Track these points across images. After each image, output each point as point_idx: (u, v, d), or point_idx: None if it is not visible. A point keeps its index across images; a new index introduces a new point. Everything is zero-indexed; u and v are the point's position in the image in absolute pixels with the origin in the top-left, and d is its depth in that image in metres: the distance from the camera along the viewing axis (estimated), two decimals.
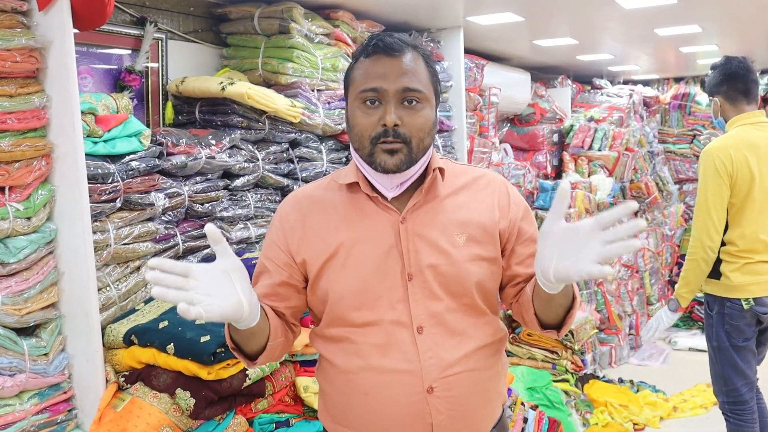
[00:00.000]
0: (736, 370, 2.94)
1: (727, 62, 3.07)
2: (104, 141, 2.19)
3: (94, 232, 2.12)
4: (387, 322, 1.43)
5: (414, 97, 1.41)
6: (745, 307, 2.84)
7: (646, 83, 7.30)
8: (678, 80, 7.39)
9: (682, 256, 6.64)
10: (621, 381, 4.67)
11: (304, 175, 3.00)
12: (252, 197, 2.80)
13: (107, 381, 2.07)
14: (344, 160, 3.25)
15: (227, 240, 2.65)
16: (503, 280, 1.55)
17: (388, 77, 1.40)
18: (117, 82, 2.69)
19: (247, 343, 1.45)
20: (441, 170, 1.51)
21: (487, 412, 1.52)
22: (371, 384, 1.44)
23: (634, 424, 4.12)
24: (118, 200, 2.20)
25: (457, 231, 1.47)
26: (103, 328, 2.16)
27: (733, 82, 3.03)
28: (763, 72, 6.78)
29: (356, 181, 1.49)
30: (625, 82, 7.08)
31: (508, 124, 5.54)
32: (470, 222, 1.48)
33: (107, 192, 2.15)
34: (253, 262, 2.51)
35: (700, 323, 5.85)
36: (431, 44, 3.94)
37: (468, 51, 4.25)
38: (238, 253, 2.71)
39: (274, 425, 2.25)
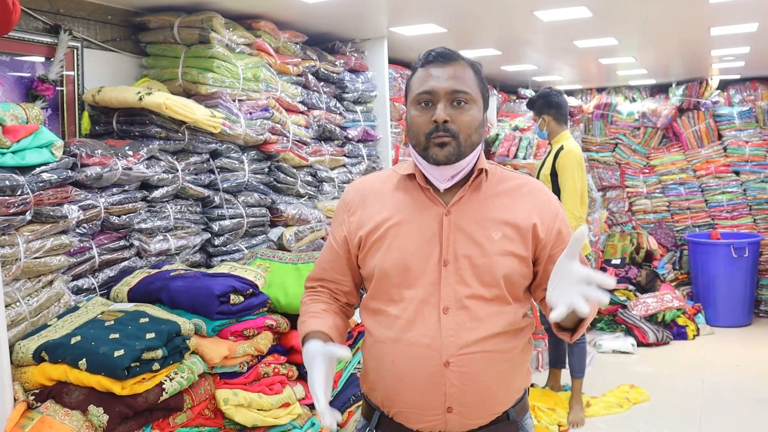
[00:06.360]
0: None
1: (553, 93, 4.42)
2: (12, 152, 2.12)
3: (3, 246, 2.06)
4: (418, 301, 1.62)
5: (462, 98, 1.61)
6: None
7: (569, 93, 7.52)
8: (600, 90, 7.63)
9: (607, 261, 6.85)
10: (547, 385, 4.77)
11: (225, 185, 2.98)
12: (172, 208, 2.77)
13: (15, 400, 2.00)
14: (266, 170, 3.24)
15: (146, 252, 2.62)
16: (537, 280, 1.70)
17: (440, 81, 1.61)
18: (29, 91, 2.62)
19: None
20: (486, 171, 1.68)
21: (501, 393, 1.67)
22: (397, 353, 1.63)
23: (559, 426, 4.22)
24: (28, 213, 2.14)
25: (494, 227, 1.64)
26: (12, 345, 2.10)
27: (559, 108, 4.36)
28: (679, 83, 7.07)
29: (413, 173, 1.69)
30: None
31: None
32: (507, 221, 1.65)
33: (16, 204, 2.08)
34: (172, 274, 2.49)
35: (623, 326, 6.03)
36: (355, 54, 3.97)
37: (392, 61, 4.30)
38: (158, 265, 2.67)
39: None
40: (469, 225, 1.64)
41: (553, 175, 4.21)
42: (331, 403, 2.69)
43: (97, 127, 2.82)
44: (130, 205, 2.57)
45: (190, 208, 2.86)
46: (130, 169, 2.53)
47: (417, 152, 1.66)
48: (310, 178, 3.57)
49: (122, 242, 2.60)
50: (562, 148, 4.21)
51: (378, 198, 1.73)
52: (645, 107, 7.17)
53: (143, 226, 2.64)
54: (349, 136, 3.90)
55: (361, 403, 2.76)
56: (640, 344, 5.85)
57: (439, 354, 1.59)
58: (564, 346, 4.61)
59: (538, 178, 4.21)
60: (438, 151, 1.59)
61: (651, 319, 6.08)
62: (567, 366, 4.59)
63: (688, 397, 4.67)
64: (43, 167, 2.21)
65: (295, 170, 3.43)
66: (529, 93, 6.69)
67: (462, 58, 1.66)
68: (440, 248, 1.63)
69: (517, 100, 6.61)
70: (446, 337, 1.59)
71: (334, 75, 3.81)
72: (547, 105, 4.35)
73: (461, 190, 1.66)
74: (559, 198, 4.09)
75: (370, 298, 1.72)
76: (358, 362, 2.86)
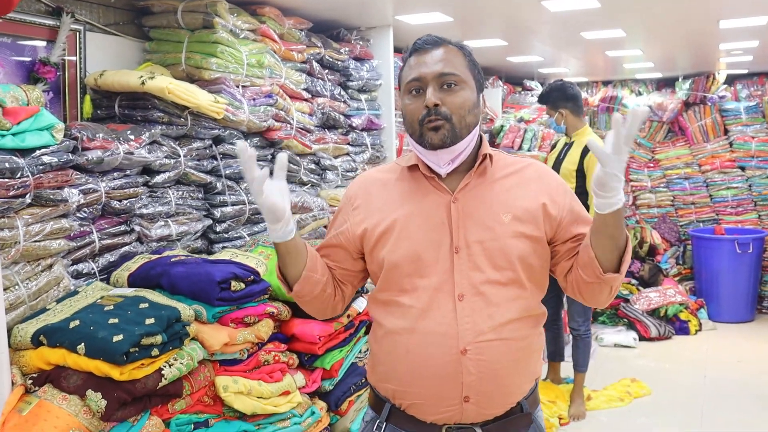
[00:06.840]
0: None
1: (567, 85, 4.23)
2: (12, 134, 2.10)
3: (2, 229, 2.05)
4: (432, 289, 1.60)
5: (451, 80, 1.59)
6: None
7: None
8: (606, 83, 7.59)
9: None
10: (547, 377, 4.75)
11: (227, 171, 2.95)
12: (173, 194, 2.74)
13: (13, 384, 1.99)
14: (270, 157, 3.22)
15: (147, 237, 2.60)
16: (559, 256, 1.68)
17: (427, 66, 1.60)
18: (30, 74, 2.59)
19: (286, 264, 1.66)
20: (490, 157, 1.68)
21: (517, 382, 1.64)
22: (412, 343, 1.60)
23: (560, 418, 4.21)
24: (27, 196, 2.12)
25: (503, 210, 1.62)
26: (11, 329, 2.08)
27: (576, 100, 4.17)
28: (686, 77, 7.02)
29: (416, 163, 1.68)
30: None
31: None
32: (516, 204, 1.63)
33: (16, 187, 2.06)
34: (173, 260, 2.48)
35: (625, 320, 6.01)
36: (360, 42, 3.94)
37: (398, 50, 4.26)
38: (159, 251, 2.65)
39: (192, 426, 2.21)
40: (477, 210, 1.62)
41: (580, 171, 4.03)
42: (332, 392, 2.69)
43: (99, 111, 2.80)
44: (132, 189, 2.55)
45: (191, 194, 2.84)
46: (132, 153, 2.51)
47: (414, 140, 1.64)
48: (313, 166, 3.55)
49: (123, 227, 2.58)
50: None
51: (382, 190, 1.71)
52: (651, 101, 7.13)
53: (144, 211, 2.62)
54: (353, 125, 3.88)
55: (362, 392, 2.76)
56: (641, 338, 5.83)
57: (456, 342, 1.57)
58: (562, 339, 4.59)
59: (557, 171, 4.13)
60: (433, 135, 1.58)
61: (653, 313, 6.05)
62: (566, 359, 4.58)
63: (690, 392, 4.65)
64: (43, 150, 2.19)
65: (298, 158, 3.40)
66: (535, 85, 6.65)
67: (449, 42, 1.65)
68: (450, 235, 1.61)
69: (522, 92, 6.57)
70: (462, 324, 1.57)
71: (339, 63, 3.77)
72: (564, 98, 4.19)
73: (467, 177, 1.65)
74: (587, 196, 3.82)
75: (380, 290, 1.69)
76: (360, 351, 2.84)
